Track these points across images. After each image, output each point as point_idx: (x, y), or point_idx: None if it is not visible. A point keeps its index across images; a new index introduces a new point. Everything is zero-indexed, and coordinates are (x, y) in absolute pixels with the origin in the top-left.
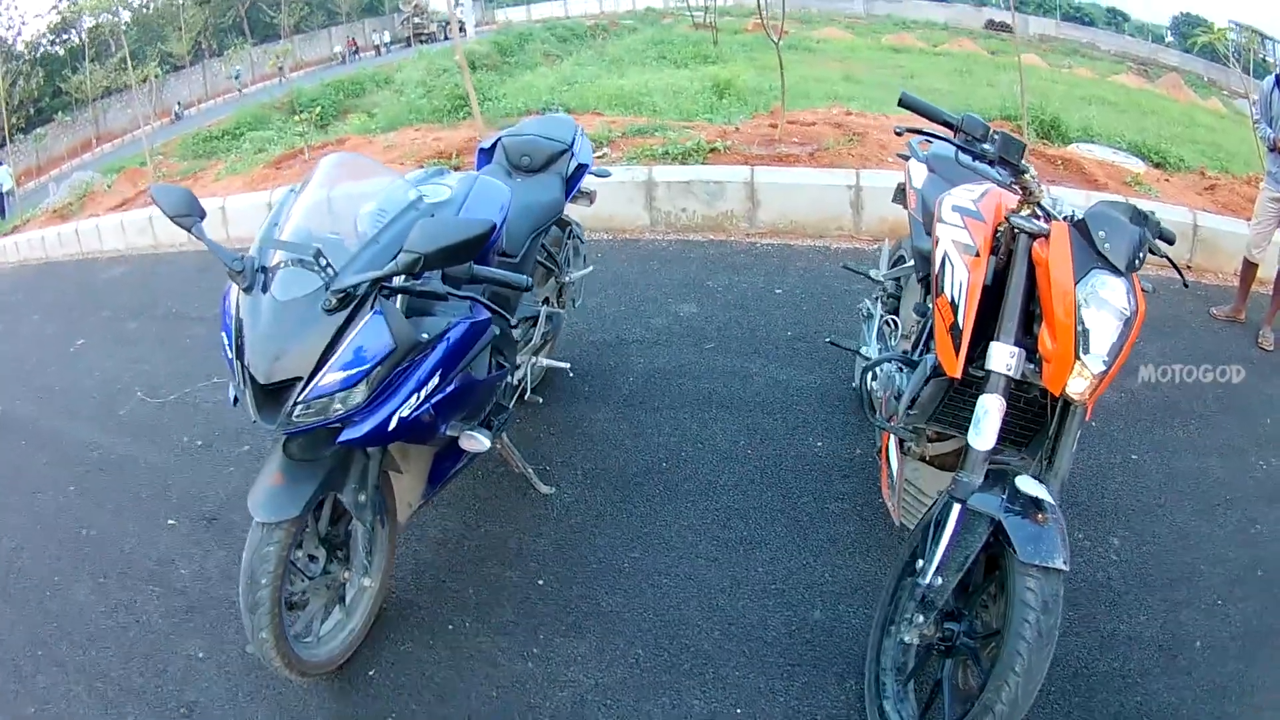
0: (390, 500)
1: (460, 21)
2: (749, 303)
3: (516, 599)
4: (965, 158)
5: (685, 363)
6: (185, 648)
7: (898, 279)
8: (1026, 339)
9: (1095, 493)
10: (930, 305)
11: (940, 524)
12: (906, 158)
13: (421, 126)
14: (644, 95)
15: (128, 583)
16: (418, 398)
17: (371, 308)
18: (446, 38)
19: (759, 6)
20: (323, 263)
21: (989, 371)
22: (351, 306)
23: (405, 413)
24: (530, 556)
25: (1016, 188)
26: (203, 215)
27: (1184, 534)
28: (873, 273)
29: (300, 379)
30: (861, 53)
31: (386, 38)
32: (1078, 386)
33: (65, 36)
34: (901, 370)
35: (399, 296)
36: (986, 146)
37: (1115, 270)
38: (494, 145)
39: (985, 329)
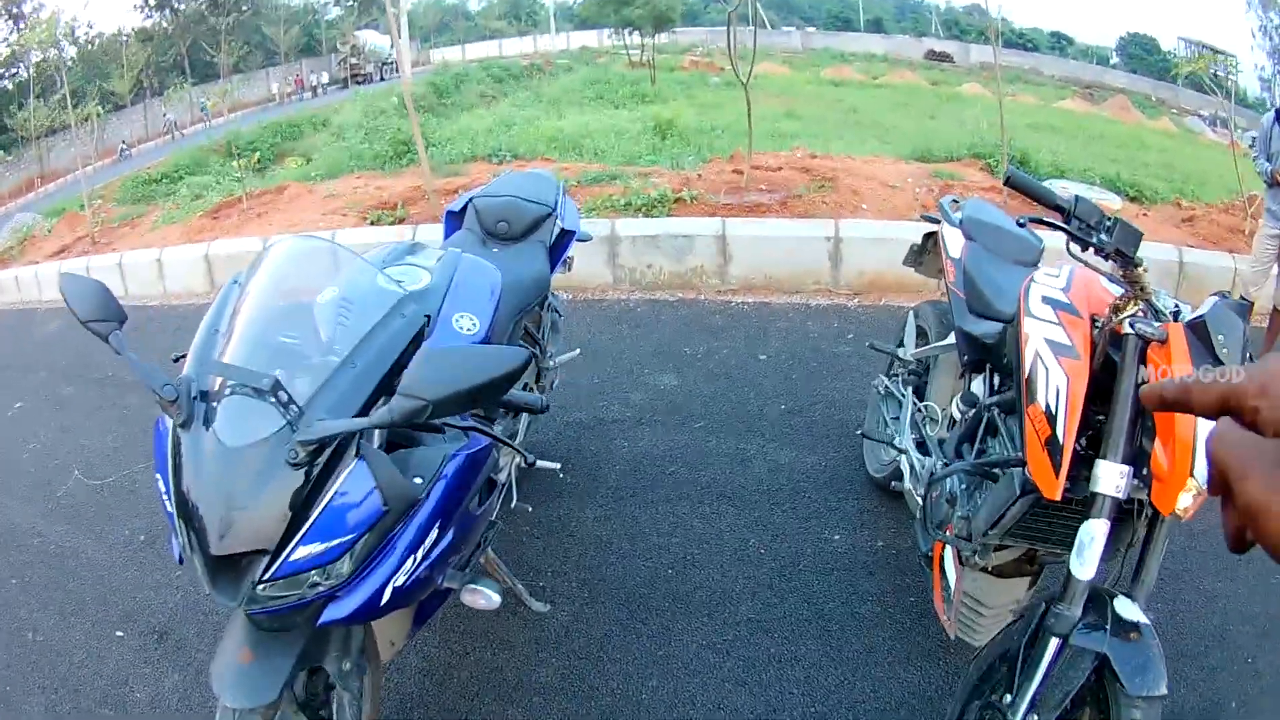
0: (372, 645)
1: (396, 62)
2: (733, 372)
3: None
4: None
5: (674, 446)
6: None
7: (925, 359)
8: (1130, 454)
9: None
10: (980, 395)
11: (1031, 656)
12: (934, 219)
13: (363, 174)
14: (584, 137)
15: (81, 703)
16: (414, 560)
17: (354, 455)
18: (382, 78)
19: (700, 44)
20: (283, 398)
21: (1096, 494)
22: (325, 455)
23: (401, 580)
24: (532, 689)
25: (1127, 279)
26: (122, 319)
27: (1211, 597)
28: (901, 352)
29: (264, 550)
30: (800, 87)
31: (324, 78)
32: (1185, 502)
33: (14, 71)
34: (951, 479)
35: (379, 432)
36: (1104, 237)
37: None
38: (464, 208)
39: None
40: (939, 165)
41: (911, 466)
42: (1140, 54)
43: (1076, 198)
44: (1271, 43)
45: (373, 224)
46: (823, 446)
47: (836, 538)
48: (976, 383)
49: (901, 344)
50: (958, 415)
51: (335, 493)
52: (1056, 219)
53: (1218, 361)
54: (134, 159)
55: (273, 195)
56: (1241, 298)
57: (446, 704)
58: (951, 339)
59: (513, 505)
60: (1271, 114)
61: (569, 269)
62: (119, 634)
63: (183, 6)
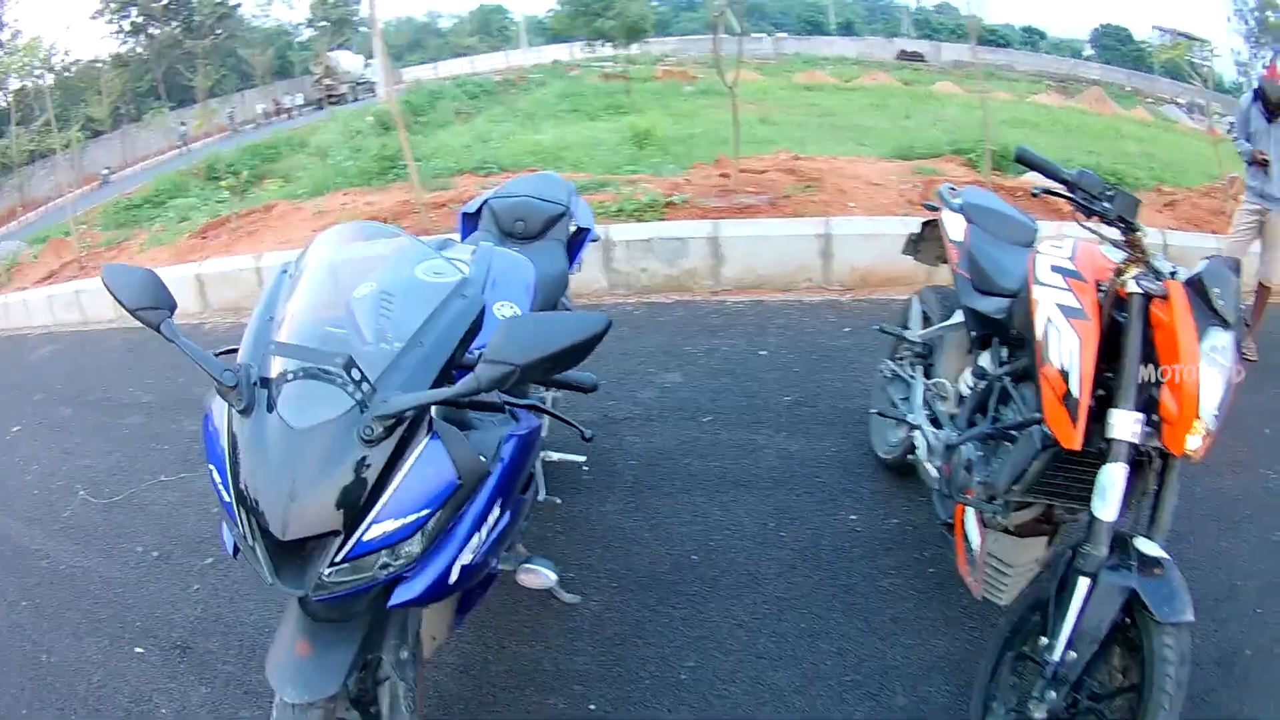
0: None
1: (370, 81)
2: (735, 368)
3: None
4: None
5: (686, 439)
6: None
7: (930, 340)
8: (1141, 402)
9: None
10: (990, 367)
11: (1063, 597)
12: (934, 207)
13: (350, 190)
14: (563, 149)
15: None
16: (479, 538)
17: (427, 432)
18: (356, 99)
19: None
20: (356, 377)
21: (1112, 440)
22: (398, 434)
23: (468, 559)
24: (571, 678)
25: (1128, 244)
26: (173, 307)
27: (1215, 554)
28: (907, 334)
29: (334, 532)
30: (774, 93)
31: (299, 100)
32: (1194, 444)
33: None
34: (967, 443)
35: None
36: (1106, 205)
37: (1226, 326)
38: (479, 210)
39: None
40: (920, 162)
41: (926, 441)
42: (1113, 45)
43: (1080, 171)
44: (1247, 26)
45: None
46: (831, 434)
47: (853, 518)
48: (985, 357)
49: (907, 326)
50: (967, 391)
51: (410, 468)
52: (1064, 190)
53: (1215, 314)
54: (114, 184)
55: (261, 214)
56: None
57: (486, 698)
58: (957, 318)
59: (541, 498)
60: (1249, 94)
61: (579, 269)
62: (138, 650)
63: (158, 32)
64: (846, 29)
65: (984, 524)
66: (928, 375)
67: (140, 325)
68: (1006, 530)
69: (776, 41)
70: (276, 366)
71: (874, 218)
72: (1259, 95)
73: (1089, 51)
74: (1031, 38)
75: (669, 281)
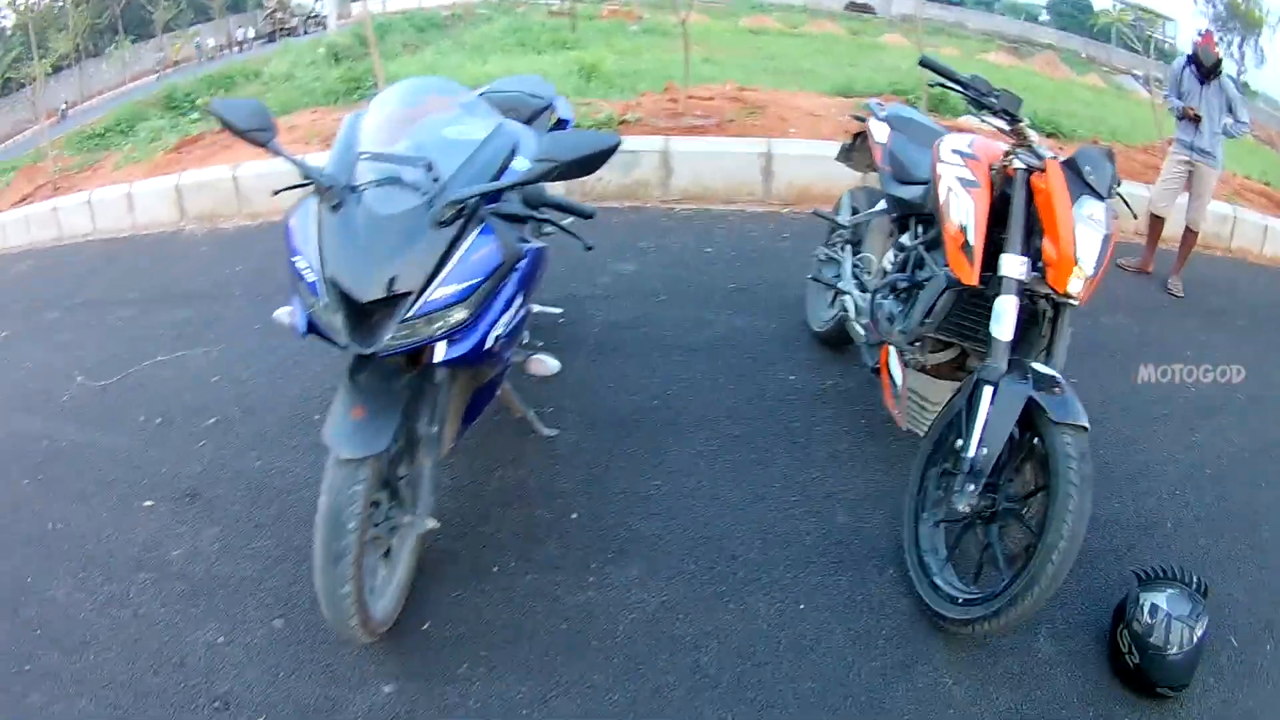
0: (442, 432)
1: (321, 15)
2: (685, 260)
3: (554, 535)
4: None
5: (641, 314)
6: (201, 635)
7: (858, 225)
8: (1027, 252)
9: None
10: (910, 240)
11: (972, 406)
12: (862, 119)
13: (317, 109)
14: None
15: (114, 574)
16: (509, 315)
17: (479, 223)
18: (306, 32)
19: None
20: (433, 175)
21: (1003, 277)
22: (460, 221)
23: (499, 331)
24: (555, 494)
25: (1013, 133)
26: (276, 130)
27: (1131, 441)
28: (840, 219)
29: (400, 297)
30: (719, 35)
31: (250, 33)
32: (1075, 286)
33: None
34: (888, 296)
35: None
36: (993, 99)
37: (1098, 196)
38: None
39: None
40: (861, 99)
41: (855, 303)
42: (1072, 12)
43: (974, 75)
44: (1214, 10)
45: None
46: (770, 315)
47: (792, 378)
48: (904, 237)
49: (839, 214)
50: (889, 267)
51: (469, 245)
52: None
53: (1089, 188)
54: (71, 118)
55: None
56: (1153, 215)
57: (481, 511)
58: (881, 206)
59: (525, 341)
60: (1182, 59)
61: None
62: (147, 503)
63: None
64: None
65: (905, 364)
66: (856, 254)
67: (117, 237)
68: (925, 370)
69: None
70: (361, 175)
71: (813, 141)
72: (1192, 60)
73: (1045, 17)
74: None
75: (622, 190)
